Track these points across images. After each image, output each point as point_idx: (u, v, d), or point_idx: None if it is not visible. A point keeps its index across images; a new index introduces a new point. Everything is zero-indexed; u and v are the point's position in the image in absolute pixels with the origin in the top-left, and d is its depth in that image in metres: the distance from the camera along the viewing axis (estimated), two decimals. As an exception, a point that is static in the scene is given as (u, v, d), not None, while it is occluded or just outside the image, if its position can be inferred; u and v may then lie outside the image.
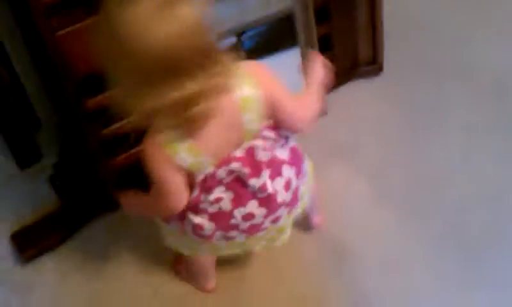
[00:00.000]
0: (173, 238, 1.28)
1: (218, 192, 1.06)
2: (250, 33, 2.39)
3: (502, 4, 2.23)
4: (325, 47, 1.74)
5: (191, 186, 1.06)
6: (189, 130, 0.93)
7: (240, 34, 2.36)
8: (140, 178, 1.60)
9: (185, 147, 0.95)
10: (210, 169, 1.02)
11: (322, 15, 1.70)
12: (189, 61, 0.83)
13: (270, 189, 1.06)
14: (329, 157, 1.72)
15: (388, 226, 1.58)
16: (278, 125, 1.08)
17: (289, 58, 1.77)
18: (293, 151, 1.14)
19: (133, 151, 1.53)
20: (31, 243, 1.59)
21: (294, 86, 1.80)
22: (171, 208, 1.06)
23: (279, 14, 2.15)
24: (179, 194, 1.04)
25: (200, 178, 1.03)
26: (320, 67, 1.21)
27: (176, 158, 0.97)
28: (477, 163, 1.72)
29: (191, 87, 0.84)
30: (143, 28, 0.79)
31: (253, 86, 0.97)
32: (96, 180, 1.57)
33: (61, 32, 1.27)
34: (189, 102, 0.86)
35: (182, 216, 1.11)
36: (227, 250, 1.24)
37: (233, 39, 2.37)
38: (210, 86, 0.87)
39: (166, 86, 0.83)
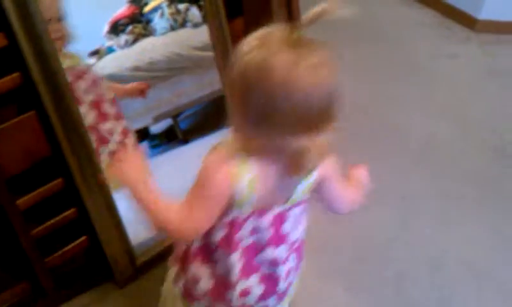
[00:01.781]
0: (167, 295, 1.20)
1: (234, 258, 1.01)
2: (185, 114, 2.45)
3: (429, 79, 2.45)
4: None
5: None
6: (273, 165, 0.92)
7: (176, 115, 2.42)
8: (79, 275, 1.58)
9: (248, 178, 0.92)
10: (246, 213, 0.97)
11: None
12: (319, 120, 0.86)
13: (281, 267, 1.05)
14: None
15: (337, 301, 1.59)
16: (323, 201, 1.08)
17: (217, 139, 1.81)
18: (301, 244, 1.11)
19: (69, 247, 1.52)
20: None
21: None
22: (185, 234, 0.99)
23: (212, 95, 2.22)
24: (204, 225, 0.97)
25: (229, 218, 0.98)
26: (366, 174, 1.19)
27: (235, 185, 0.91)
28: (415, 229, 1.78)
29: (308, 142, 0.87)
30: (302, 79, 0.82)
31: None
32: (32, 280, 1.51)
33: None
34: (302, 153, 0.88)
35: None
36: None
37: (169, 121, 2.42)
38: (323, 148, 0.91)
39: (293, 132, 0.86)
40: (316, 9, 0.84)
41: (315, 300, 1.58)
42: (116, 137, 1.62)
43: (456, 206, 1.86)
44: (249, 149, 0.91)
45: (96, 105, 1.59)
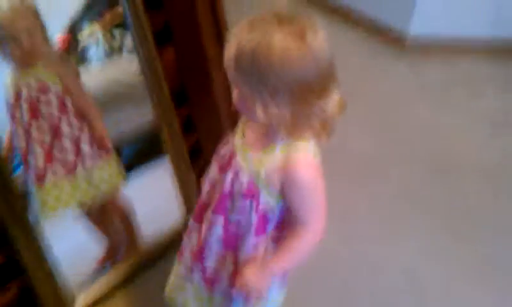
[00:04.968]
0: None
1: None
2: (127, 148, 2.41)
3: (358, 98, 2.45)
4: (194, 155, 1.79)
5: None
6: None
7: (118, 149, 2.38)
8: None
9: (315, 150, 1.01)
10: None
11: (188, 125, 1.75)
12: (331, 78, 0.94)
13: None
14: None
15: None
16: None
17: (160, 167, 1.83)
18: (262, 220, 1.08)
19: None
20: None
21: (165, 192, 1.85)
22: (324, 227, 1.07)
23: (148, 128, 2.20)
24: None
25: None
26: None
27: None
28: (356, 243, 1.81)
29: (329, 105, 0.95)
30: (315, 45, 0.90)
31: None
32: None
33: None
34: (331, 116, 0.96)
35: None
36: None
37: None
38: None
39: (319, 96, 0.93)
40: None
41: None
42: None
43: (392, 222, 1.90)
44: (299, 132, 0.96)
45: (53, 122, 1.55)
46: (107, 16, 2.26)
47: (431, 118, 2.42)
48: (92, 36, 2.30)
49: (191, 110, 1.75)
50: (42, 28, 1.55)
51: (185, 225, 1.71)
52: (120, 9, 2.03)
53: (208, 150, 1.81)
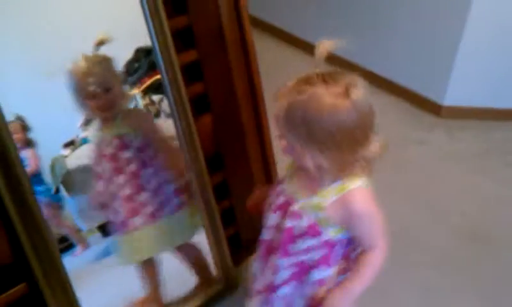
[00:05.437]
0: None
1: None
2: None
3: (397, 166, 2.43)
4: (227, 219, 1.81)
5: None
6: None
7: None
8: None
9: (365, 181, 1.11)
10: None
11: (221, 190, 1.77)
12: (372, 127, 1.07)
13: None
14: None
15: None
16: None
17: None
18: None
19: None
20: None
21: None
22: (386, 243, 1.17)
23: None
24: None
25: None
26: None
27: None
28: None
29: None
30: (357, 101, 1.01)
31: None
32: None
33: None
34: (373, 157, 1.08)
35: None
36: None
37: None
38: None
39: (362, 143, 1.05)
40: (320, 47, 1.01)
41: None
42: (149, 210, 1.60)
43: (435, 296, 1.86)
44: (344, 176, 1.07)
45: (134, 175, 1.57)
46: (147, 83, 2.34)
47: (469, 186, 2.40)
48: (132, 99, 2.39)
49: (225, 176, 1.78)
50: (119, 81, 1.60)
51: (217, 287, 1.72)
52: (159, 76, 2.13)
53: (240, 214, 1.84)
